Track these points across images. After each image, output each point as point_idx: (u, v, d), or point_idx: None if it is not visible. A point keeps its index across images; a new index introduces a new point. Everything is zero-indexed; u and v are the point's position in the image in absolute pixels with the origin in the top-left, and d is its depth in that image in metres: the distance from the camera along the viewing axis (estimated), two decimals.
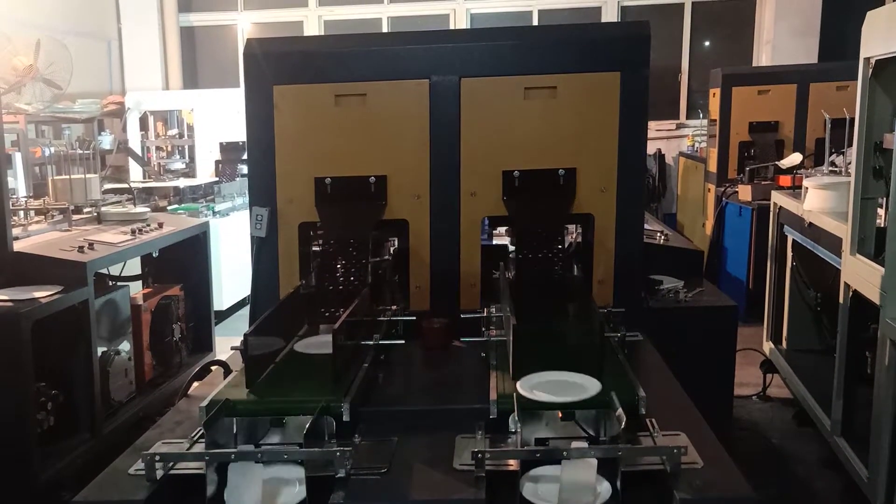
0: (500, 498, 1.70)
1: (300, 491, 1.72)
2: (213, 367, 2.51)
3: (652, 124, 8.46)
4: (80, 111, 7.52)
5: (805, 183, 4.24)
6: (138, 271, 4.77)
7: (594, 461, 1.66)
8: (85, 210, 4.61)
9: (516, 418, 1.81)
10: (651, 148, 8.83)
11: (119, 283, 4.23)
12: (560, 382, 1.98)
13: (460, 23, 9.47)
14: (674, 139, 9.30)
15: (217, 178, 7.72)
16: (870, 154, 3.23)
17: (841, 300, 3.51)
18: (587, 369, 2.04)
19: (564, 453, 1.66)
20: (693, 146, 8.81)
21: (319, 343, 2.32)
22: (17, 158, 6.27)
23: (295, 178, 2.79)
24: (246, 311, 3.16)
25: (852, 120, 3.44)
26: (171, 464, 1.78)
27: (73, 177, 4.72)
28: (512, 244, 2.91)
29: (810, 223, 4.06)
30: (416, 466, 1.80)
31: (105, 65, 9.46)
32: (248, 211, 2.86)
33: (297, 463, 1.76)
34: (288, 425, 1.93)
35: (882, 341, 2.97)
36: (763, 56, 9.05)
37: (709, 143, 7.34)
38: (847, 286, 3.42)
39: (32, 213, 4.45)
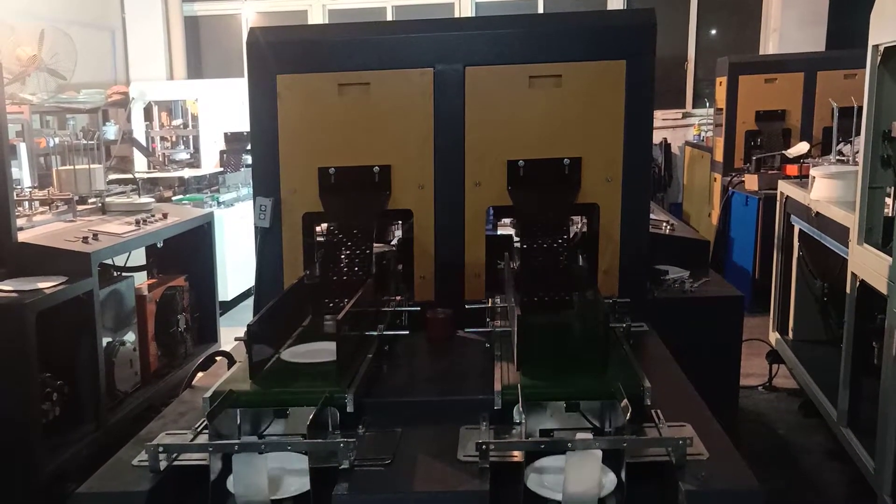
0: (505, 489, 1.69)
1: (304, 482, 1.71)
2: (217, 358, 2.50)
3: (658, 113, 8.42)
4: (84, 101, 7.51)
5: (812, 172, 4.21)
6: (143, 262, 4.77)
7: (599, 452, 1.65)
8: (89, 200, 4.60)
9: (521, 409, 1.80)
10: (657, 137, 8.79)
11: (124, 274, 4.22)
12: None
13: (465, 11, 9.43)
14: (680, 128, 9.26)
15: (222, 169, 7.71)
16: (878, 143, 3.21)
17: (848, 290, 3.49)
18: (592, 360, 2.03)
19: (569, 444, 1.65)
20: (699, 135, 8.76)
21: (309, 351, 2.24)
22: (22, 149, 6.26)
23: (299, 169, 2.78)
24: (251, 301, 3.16)
25: (860, 108, 3.42)
26: (174, 455, 1.77)
27: (77, 167, 4.72)
28: (517, 234, 2.90)
29: (817, 213, 4.03)
30: (420, 458, 1.80)
31: (109, 55, 9.44)
32: (252, 201, 2.85)
33: (301, 454, 1.76)
34: (292, 416, 1.92)
35: (889, 332, 2.95)
36: (770, 44, 8.99)
37: (715, 132, 7.30)
38: (854, 276, 3.40)
39: (37, 203, 4.44)
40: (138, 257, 4.64)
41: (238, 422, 1.90)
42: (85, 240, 3.73)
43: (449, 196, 2.76)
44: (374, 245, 2.72)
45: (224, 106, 8.14)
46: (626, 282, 2.77)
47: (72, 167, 4.72)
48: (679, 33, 9.27)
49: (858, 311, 3.43)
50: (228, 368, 2.27)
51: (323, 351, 2.18)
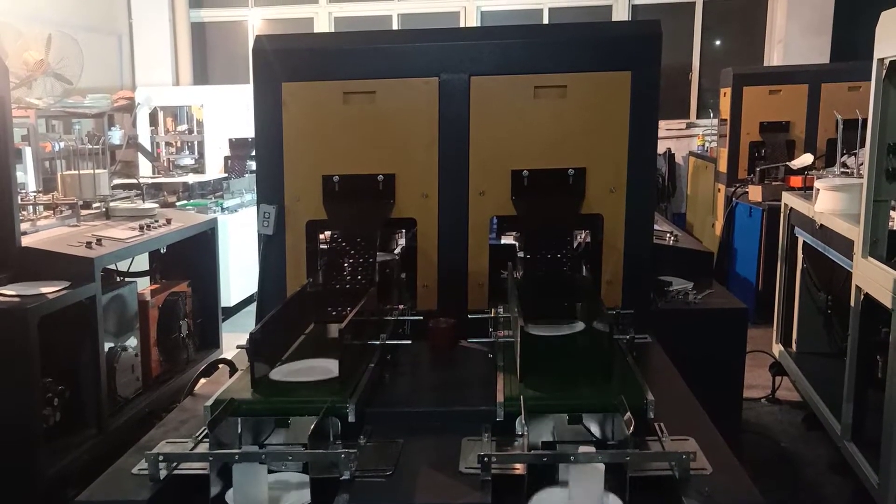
0: (506, 502, 1.68)
1: (304, 493, 1.70)
2: (219, 366, 2.50)
3: (662, 123, 8.40)
4: (90, 106, 7.54)
5: (816, 184, 4.20)
6: (146, 267, 4.78)
7: (602, 466, 1.64)
8: (94, 205, 4.61)
9: (523, 421, 1.79)
10: (661, 147, 8.78)
11: (127, 279, 4.23)
12: None
13: (470, 20, 9.45)
14: (684, 138, 9.26)
15: (226, 175, 7.72)
16: (883, 156, 3.20)
17: (852, 303, 3.48)
18: (595, 372, 2.02)
19: (571, 457, 1.64)
20: (703, 146, 8.77)
21: (300, 370, 2.15)
22: (27, 153, 6.29)
23: (303, 176, 2.78)
24: (253, 307, 3.16)
25: (864, 121, 3.41)
26: (174, 464, 1.76)
27: (82, 172, 4.73)
28: (520, 244, 2.89)
29: (821, 225, 4.02)
30: (422, 469, 1.79)
31: (116, 60, 9.48)
32: (256, 207, 2.84)
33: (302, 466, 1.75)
34: (293, 426, 1.91)
35: (894, 345, 2.94)
36: (774, 55, 9.00)
37: (719, 142, 7.31)
38: (858, 289, 3.39)
39: (41, 208, 4.45)
40: (141, 262, 4.65)
41: (239, 431, 1.89)
42: (88, 245, 3.73)
43: (453, 205, 2.76)
44: (378, 253, 2.72)
45: (229, 112, 8.16)
46: (630, 293, 2.76)
47: (76, 172, 4.74)
48: (683, 44, 9.28)
49: (863, 325, 3.42)
50: (230, 376, 2.26)
51: (314, 369, 2.12)
